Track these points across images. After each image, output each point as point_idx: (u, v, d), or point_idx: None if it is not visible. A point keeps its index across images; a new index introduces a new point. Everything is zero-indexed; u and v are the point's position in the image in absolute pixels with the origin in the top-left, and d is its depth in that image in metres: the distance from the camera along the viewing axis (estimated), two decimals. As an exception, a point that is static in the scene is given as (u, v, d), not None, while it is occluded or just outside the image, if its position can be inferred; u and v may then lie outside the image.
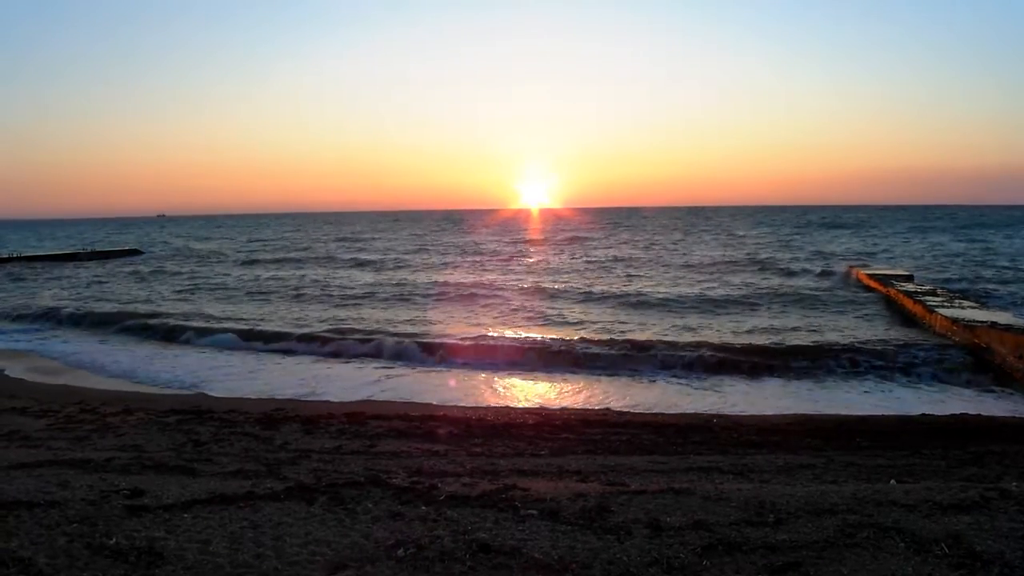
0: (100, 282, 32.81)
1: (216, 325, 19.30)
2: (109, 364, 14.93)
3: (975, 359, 13.35)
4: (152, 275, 36.21)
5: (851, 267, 29.80)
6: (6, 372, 13.94)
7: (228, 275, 35.56)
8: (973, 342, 13.83)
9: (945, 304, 17.33)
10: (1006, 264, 33.39)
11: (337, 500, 3.77)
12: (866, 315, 19.11)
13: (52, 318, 21.54)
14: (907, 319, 17.96)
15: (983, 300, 19.87)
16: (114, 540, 3.10)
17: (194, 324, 19.38)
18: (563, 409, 10.80)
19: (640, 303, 21.94)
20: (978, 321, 14.40)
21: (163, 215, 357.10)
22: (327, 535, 3.21)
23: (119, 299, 25.95)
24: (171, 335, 18.39)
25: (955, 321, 14.87)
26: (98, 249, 54.06)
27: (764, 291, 23.74)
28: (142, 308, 22.99)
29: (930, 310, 16.62)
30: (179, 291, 28.57)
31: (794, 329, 16.30)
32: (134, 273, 37.49)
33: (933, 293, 19.85)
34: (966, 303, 17.81)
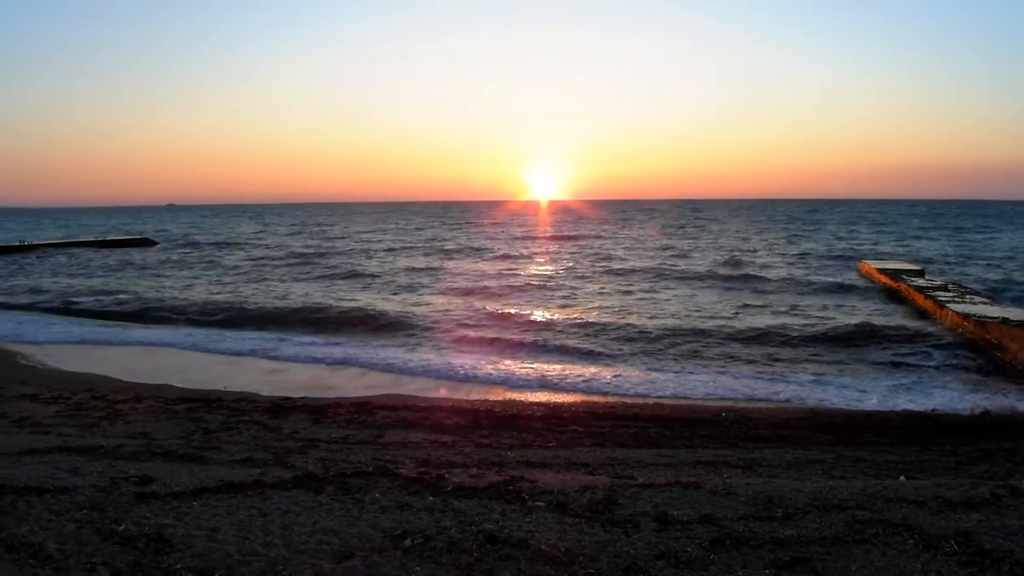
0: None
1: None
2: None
3: (986, 355, 13.25)
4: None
5: (860, 262, 29.61)
6: (17, 358, 14.08)
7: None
8: (984, 338, 13.71)
9: (956, 299, 17.18)
10: (1019, 260, 33.04)
11: (345, 489, 3.79)
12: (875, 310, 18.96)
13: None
14: (918, 315, 17.82)
15: (995, 296, 19.67)
16: (123, 527, 3.12)
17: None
18: (571, 402, 10.80)
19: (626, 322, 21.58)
20: (990, 317, 14.27)
21: (172, 204, 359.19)
22: (335, 524, 3.22)
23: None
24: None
25: (966, 317, 14.74)
26: (111, 238, 54.43)
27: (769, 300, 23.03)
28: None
29: (941, 305, 16.48)
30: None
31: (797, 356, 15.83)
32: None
33: (944, 288, 19.67)
34: (978, 299, 17.65)
